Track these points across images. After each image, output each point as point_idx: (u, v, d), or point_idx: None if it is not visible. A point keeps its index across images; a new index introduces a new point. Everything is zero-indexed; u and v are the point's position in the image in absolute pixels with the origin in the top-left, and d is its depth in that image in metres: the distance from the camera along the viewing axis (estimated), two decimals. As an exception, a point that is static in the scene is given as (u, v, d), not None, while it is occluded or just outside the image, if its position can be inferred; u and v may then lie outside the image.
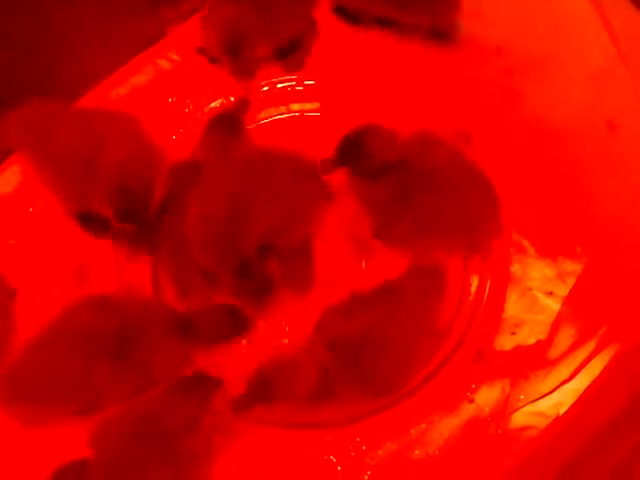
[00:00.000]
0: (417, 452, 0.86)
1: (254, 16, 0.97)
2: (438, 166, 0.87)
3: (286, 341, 0.91)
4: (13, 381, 0.81)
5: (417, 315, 0.85)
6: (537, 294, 0.91)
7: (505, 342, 0.89)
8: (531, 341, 0.89)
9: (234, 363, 0.88)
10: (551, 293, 0.91)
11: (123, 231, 0.92)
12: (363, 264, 0.93)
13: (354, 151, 0.86)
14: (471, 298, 0.91)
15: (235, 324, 0.87)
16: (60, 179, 0.90)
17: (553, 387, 0.87)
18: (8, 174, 0.97)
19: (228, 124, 0.96)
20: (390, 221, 0.87)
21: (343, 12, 1.03)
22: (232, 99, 1.01)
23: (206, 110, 1.00)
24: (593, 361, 0.88)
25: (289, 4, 0.99)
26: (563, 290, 0.91)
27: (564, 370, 0.88)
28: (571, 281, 0.91)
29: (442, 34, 1.01)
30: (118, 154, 0.86)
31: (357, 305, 0.85)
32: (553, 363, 0.88)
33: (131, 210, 0.85)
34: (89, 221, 0.93)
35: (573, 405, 0.86)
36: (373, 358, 0.81)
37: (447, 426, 0.86)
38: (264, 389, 0.78)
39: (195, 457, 0.80)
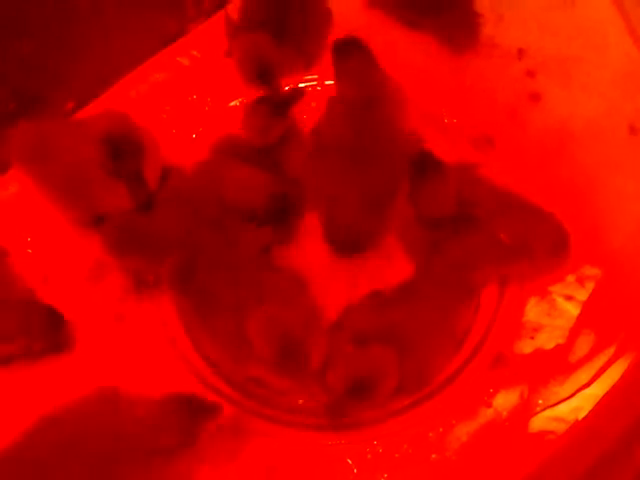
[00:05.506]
0: (434, 456, 0.85)
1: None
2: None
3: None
4: None
5: (439, 314, 0.85)
6: (557, 298, 0.91)
7: (524, 346, 0.89)
8: (550, 346, 0.88)
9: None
10: (571, 297, 0.91)
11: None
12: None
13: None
14: (490, 302, 0.91)
15: None
16: (61, 196, 0.91)
17: (572, 392, 0.86)
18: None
19: (272, 107, 0.91)
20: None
21: None
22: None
23: (226, 108, 1.00)
24: (612, 366, 0.87)
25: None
26: (583, 295, 0.90)
27: (583, 375, 0.87)
28: (591, 286, 0.91)
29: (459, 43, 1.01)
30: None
31: (379, 303, 0.86)
32: (572, 368, 0.87)
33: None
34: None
35: (592, 410, 0.85)
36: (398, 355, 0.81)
37: (465, 430, 0.86)
38: (356, 391, 0.80)
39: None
